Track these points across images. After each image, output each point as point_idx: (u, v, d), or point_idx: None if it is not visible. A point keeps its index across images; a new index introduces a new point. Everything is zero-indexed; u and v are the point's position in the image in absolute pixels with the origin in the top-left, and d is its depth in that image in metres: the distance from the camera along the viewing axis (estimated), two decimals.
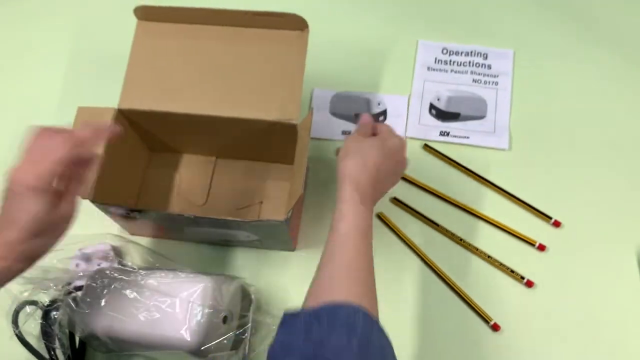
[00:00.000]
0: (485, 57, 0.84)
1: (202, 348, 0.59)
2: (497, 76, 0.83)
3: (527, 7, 0.87)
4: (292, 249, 0.74)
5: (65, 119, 0.65)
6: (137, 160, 0.78)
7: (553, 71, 0.83)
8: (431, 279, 0.72)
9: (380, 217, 0.75)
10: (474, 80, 0.83)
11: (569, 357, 0.68)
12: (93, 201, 0.65)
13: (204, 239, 0.75)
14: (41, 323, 0.66)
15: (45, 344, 0.65)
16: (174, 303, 0.61)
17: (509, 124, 0.79)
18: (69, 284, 0.65)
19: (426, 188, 0.76)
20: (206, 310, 0.60)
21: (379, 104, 0.82)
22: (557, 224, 0.73)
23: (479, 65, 0.84)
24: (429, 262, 0.72)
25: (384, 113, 0.82)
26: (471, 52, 0.85)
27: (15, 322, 0.66)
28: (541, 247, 0.72)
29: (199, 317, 0.60)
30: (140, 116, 0.69)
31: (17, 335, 0.66)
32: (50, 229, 0.52)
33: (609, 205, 0.74)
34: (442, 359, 0.69)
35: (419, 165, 0.78)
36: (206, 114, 0.67)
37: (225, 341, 0.62)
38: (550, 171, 0.77)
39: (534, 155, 0.78)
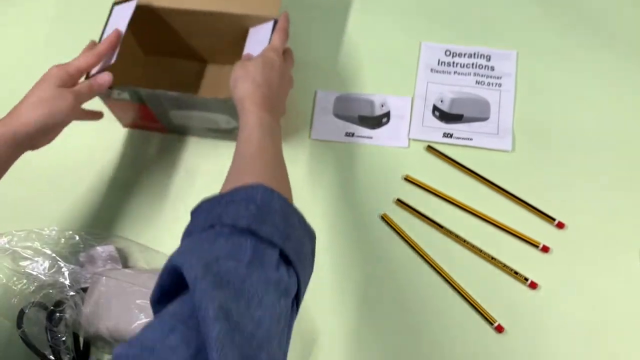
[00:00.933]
0: (489, 58, 0.84)
1: None
2: (501, 78, 0.83)
3: (530, 8, 0.88)
4: None
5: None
6: (132, 63, 0.81)
7: (556, 73, 0.83)
8: (435, 280, 0.72)
9: (384, 219, 0.75)
10: (477, 82, 0.83)
11: (573, 358, 0.68)
12: None
13: (189, 126, 0.79)
14: (46, 324, 0.66)
15: (49, 345, 0.66)
16: None
17: (513, 125, 0.80)
18: (74, 285, 0.65)
19: (430, 190, 0.76)
20: None
21: (382, 106, 0.82)
22: (560, 226, 0.73)
23: (482, 67, 0.84)
24: (432, 264, 0.72)
25: (387, 115, 0.82)
26: (474, 54, 0.85)
27: (19, 323, 0.66)
28: (545, 249, 0.72)
29: None
30: (136, 12, 0.73)
31: (21, 336, 0.66)
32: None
33: (613, 207, 0.74)
34: (445, 359, 0.69)
35: (423, 167, 0.78)
36: (192, 8, 0.74)
37: None
38: (554, 172, 0.77)
39: (537, 157, 0.78)
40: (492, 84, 0.83)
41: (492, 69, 0.84)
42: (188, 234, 0.49)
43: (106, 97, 0.75)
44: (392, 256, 0.74)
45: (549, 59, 0.84)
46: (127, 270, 0.67)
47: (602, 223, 0.74)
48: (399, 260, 0.73)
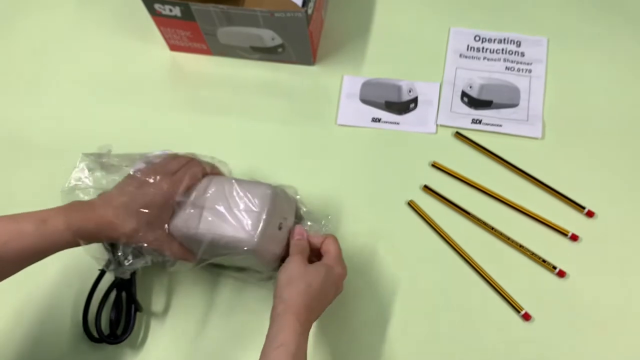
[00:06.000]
0: (519, 44, 0.83)
1: (261, 246, 0.62)
2: (531, 64, 0.82)
3: None
4: (312, 63, 0.84)
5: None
6: None
7: (587, 59, 0.82)
8: (462, 268, 0.72)
9: (411, 205, 0.75)
10: (507, 68, 0.82)
11: (600, 348, 0.67)
12: None
13: (234, 45, 0.82)
14: None
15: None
16: (238, 206, 0.63)
17: (543, 112, 0.79)
18: None
19: (457, 176, 0.76)
20: (264, 215, 0.62)
21: (410, 91, 0.82)
22: (590, 214, 0.73)
23: (512, 53, 0.83)
24: (459, 251, 0.72)
25: (415, 100, 0.81)
26: (504, 40, 0.84)
27: None
28: (574, 237, 0.72)
29: (258, 220, 0.62)
30: None
31: None
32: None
33: None
34: (472, 347, 0.69)
35: (451, 153, 0.77)
36: None
37: (280, 243, 0.65)
38: (584, 161, 0.76)
39: (567, 145, 0.77)
40: (522, 70, 0.81)
41: (523, 54, 0.82)
42: None
43: (157, 14, 0.78)
44: (418, 243, 0.74)
45: (580, 45, 0.82)
46: None
47: (632, 212, 0.73)
48: (425, 247, 0.73)
